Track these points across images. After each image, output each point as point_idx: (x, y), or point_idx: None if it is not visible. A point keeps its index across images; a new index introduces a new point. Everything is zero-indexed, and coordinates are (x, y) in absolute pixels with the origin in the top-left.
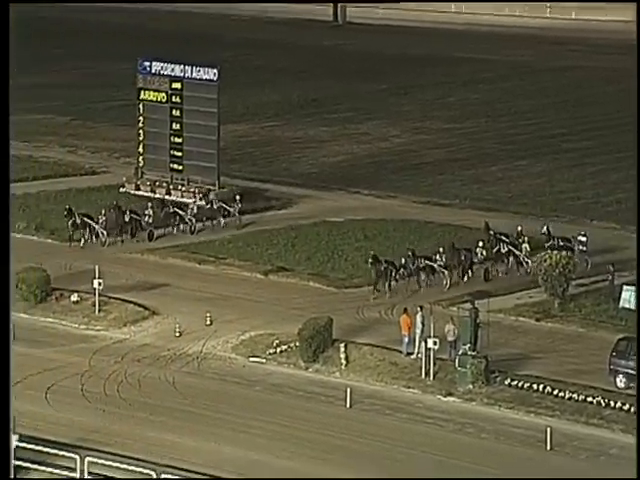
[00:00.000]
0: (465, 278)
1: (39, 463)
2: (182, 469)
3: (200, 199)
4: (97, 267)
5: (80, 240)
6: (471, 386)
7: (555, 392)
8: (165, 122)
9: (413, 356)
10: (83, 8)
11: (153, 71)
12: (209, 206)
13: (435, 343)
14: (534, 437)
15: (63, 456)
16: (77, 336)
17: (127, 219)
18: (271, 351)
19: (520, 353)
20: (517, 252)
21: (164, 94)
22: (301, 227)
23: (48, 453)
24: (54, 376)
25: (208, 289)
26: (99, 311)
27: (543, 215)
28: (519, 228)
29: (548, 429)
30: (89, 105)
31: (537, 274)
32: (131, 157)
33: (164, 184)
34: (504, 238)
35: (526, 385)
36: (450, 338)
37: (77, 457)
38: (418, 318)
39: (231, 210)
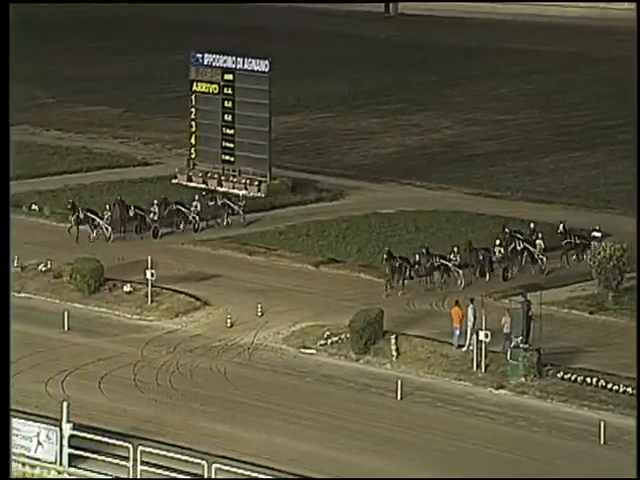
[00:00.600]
0: (486, 277)
1: (93, 452)
2: (234, 459)
3: (202, 197)
4: (149, 258)
5: (89, 236)
6: (523, 379)
7: (609, 385)
8: (217, 113)
9: (464, 348)
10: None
11: (205, 63)
12: (213, 203)
13: (487, 336)
14: (587, 431)
15: (117, 445)
16: (130, 326)
17: (132, 215)
18: (322, 342)
19: (573, 346)
20: (532, 249)
21: (216, 86)
22: (352, 218)
23: (102, 442)
24: (107, 366)
25: (259, 280)
26: (151, 301)
27: (597, 207)
28: (532, 225)
29: (601, 423)
30: (142, 97)
31: (591, 267)
32: (183, 148)
33: (216, 175)
34: (519, 235)
35: (579, 378)
36: (506, 330)
37: (130, 446)
38: (470, 310)
39: (235, 208)
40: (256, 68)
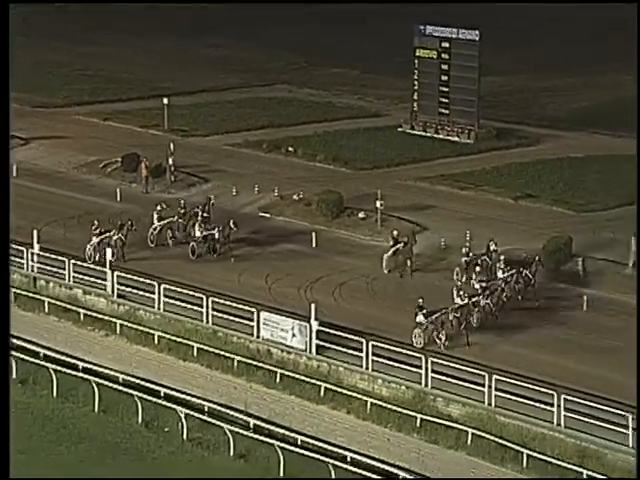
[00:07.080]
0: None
1: (334, 344)
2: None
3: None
4: (379, 191)
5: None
6: None
7: None
8: (435, 75)
9: None
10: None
11: (426, 33)
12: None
13: None
14: None
15: (352, 339)
16: (363, 246)
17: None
18: None
19: None
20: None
21: (435, 52)
22: (546, 161)
23: (341, 336)
24: (346, 276)
25: (468, 211)
26: (381, 226)
27: None
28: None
29: None
30: (374, 61)
31: None
32: (407, 103)
33: (433, 125)
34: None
35: None
36: None
37: (363, 340)
38: None
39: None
40: (468, 37)
